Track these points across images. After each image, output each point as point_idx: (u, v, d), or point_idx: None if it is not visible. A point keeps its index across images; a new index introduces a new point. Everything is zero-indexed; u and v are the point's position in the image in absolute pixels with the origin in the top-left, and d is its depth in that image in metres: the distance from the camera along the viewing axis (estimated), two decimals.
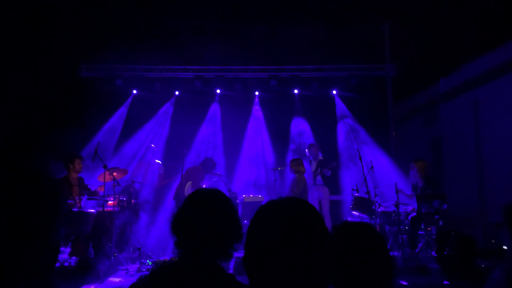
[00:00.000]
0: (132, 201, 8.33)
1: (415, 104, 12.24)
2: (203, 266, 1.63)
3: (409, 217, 7.24)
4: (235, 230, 1.74)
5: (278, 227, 1.20)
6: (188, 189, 7.87)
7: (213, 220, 1.70)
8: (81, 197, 7.06)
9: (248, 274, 1.22)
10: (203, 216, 1.71)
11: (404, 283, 5.48)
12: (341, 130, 12.05)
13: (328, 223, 8.74)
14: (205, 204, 1.77)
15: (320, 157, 9.02)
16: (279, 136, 12.04)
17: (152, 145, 9.13)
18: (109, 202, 7.17)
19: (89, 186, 7.27)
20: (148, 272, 1.72)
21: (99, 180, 7.43)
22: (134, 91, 11.88)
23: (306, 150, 9.22)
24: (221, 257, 1.72)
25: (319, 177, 8.85)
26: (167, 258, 6.84)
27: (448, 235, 6.51)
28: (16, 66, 9.69)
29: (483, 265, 6.25)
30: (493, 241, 7.27)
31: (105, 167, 6.86)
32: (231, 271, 5.76)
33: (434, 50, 11.03)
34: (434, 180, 7.50)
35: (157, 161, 9.12)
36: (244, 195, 8.24)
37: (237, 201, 7.91)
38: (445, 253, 6.38)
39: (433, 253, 6.83)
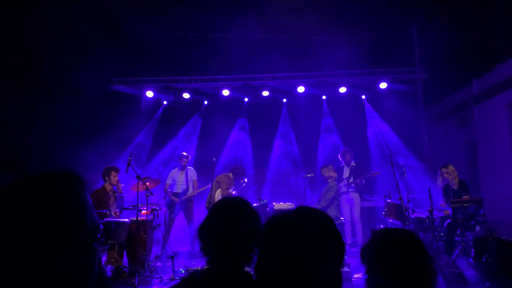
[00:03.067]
0: (165, 210, 8.47)
1: (448, 107, 11.97)
2: (229, 271, 1.70)
3: (445, 224, 7.06)
4: (256, 236, 1.81)
5: (288, 238, 1.21)
6: (218, 196, 7.95)
7: (236, 227, 1.79)
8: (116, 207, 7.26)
9: (261, 281, 1.25)
10: (227, 224, 1.81)
11: None
12: (372, 135, 11.88)
13: (359, 230, 8.63)
14: (228, 212, 1.86)
15: (353, 163, 8.93)
16: (309, 142, 11.99)
17: (184, 153, 9.25)
18: (143, 211, 7.32)
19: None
20: (179, 281, 1.79)
21: (132, 190, 7.62)
22: (165, 102, 12.13)
23: (339, 155, 9.14)
24: (243, 261, 1.79)
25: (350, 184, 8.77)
26: (199, 267, 6.91)
27: (485, 241, 6.31)
28: (50, 80, 10.07)
29: None
30: None
31: (138, 177, 7.01)
32: None
33: (465, 51, 10.78)
34: (465, 183, 7.31)
35: (189, 167, 9.25)
36: (274, 203, 8.23)
37: (267, 209, 7.91)
38: (483, 259, 6.18)
39: (470, 259, 6.62)
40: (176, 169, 9.18)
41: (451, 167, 7.31)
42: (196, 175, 9.24)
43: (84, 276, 1.09)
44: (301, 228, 1.23)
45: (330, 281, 1.21)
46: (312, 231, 1.23)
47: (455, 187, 7.27)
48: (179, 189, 8.95)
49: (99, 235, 1.35)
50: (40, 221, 1.00)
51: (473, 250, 6.38)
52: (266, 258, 1.25)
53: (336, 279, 1.23)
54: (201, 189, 9.02)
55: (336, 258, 1.24)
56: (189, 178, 9.07)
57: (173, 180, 9.03)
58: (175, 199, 8.82)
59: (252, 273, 1.77)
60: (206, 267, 1.81)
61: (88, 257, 1.09)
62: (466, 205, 6.81)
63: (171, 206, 8.81)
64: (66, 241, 1.02)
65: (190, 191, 9.00)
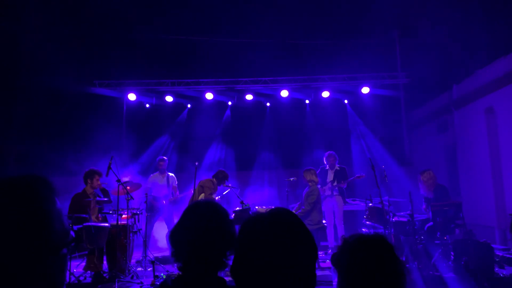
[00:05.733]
0: (146, 214, 8.38)
1: (429, 111, 12.14)
2: (202, 277, 1.68)
3: (425, 227, 7.14)
4: (229, 240, 1.78)
5: (264, 239, 1.23)
6: None
7: (208, 231, 1.75)
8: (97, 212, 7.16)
9: (237, 283, 1.26)
10: (199, 228, 1.77)
11: None
12: (354, 139, 11.98)
13: (341, 233, 8.67)
14: (200, 216, 1.82)
15: (337, 167, 8.98)
16: (292, 146, 12.02)
17: (165, 157, 9.19)
18: (123, 216, 7.23)
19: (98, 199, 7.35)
20: None
21: (113, 194, 7.52)
22: (147, 105, 12.02)
23: (324, 158, 9.17)
24: (216, 266, 1.76)
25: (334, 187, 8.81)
26: (180, 272, 6.84)
27: (464, 244, 6.41)
28: (29, 81, 9.90)
29: (501, 274, 6.13)
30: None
31: (118, 181, 6.93)
32: None
33: (446, 56, 10.96)
34: (444, 188, 7.39)
35: (170, 174, 9.19)
36: (257, 207, 8.22)
37: (250, 213, 7.87)
38: (462, 262, 6.27)
39: (449, 262, 6.71)
40: (157, 173, 9.10)
41: (425, 175, 7.38)
42: (176, 182, 9.20)
43: (52, 283, 1.06)
44: (274, 230, 1.24)
45: (304, 281, 1.23)
46: (285, 233, 1.24)
47: (431, 195, 7.36)
48: (159, 193, 8.88)
49: (68, 241, 1.29)
50: (0, 228, 0.97)
51: (452, 253, 6.47)
52: (241, 260, 1.26)
53: (310, 279, 1.24)
54: (182, 194, 9.00)
55: (309, 259, 1.25)
56: (169, 184, 9.02)
57: (154, 184, 8.95)
58: (155, 203, 8.74)
59: (226, 278, 1.75)
60: (178, 273, 1.78)
61: (55, 265, 1.06)
62: (446, 208, 6.91)
63: (151, 210, 8.72)
64: (30, 249, 0.99)
65: (172, 196, 8.95)
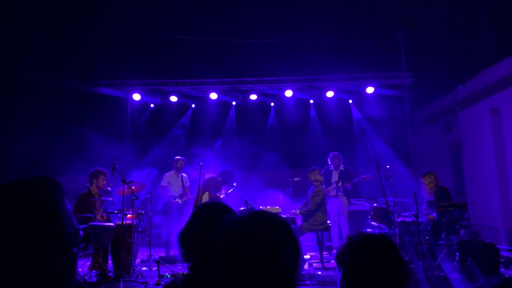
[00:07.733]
0: (151, 214, 8.41)
1: (433, 111, 12.10)
2: (210, 279, 1.68)
3: (429, 227, 7.11)
4: None
5: (240, 245, 1.20)
6: (205, 200, 7.90)
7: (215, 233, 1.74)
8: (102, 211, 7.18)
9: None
10: (209, 228, 1.76)
11: None
12: (358, 139, 11.96)
13: (345, 234, 8.66)
14: (210, 216, 1.81)
15: (342, 167, 8.97)
16: (296, 146, 12.02)
17: (183, 158, 9.19)
18: (128, 216, 7.24)
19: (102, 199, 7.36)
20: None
21: (118, 194, 7.54)
22: (152, 105, 12.05)
23: (328, 159, 9.16)
24: None
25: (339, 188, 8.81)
26: (185, 271, 6.85)
27: (470, 244, 6.38)
28: (32, 81, 9.93)
29: (507, 275, 6.10)
30: None
31: (123, 181, 6.94)
32: None
33: (450, 57, 10.93)
34: (446, 191, 7.34)
35: (183, 174, 9.21)
36: (261, 207, 8.22)
37: None
38: (468, 263, 6.25)
39: (455, 263, 6.68)
40: (172, 173, 9.11)
41: (426, 178, 7.33)
42: (188, 182, 9.22)
43: (63, 284, 1.06)
44: (253, 234, 1.22)
45: (283, 283, 1.21)
46: (265, 237, 1.22)
47: (431, 198, 7.33)
48: (174, 193, 8.89)
49: (78, 240, 1.29)
50: (14, 229, 0.98)
51: (457, 254, 6.44)
52: (219, 263, 1.24)
53: (289, 281, 1.22)
54: (192, 196, 9.04)
55: (289, 263, 1.23)
56: (184, 184, 9.05)
57: (169, 183, 8.96)
58: (171, 203, 8.77)
59: None
60: (187, 273, 1.78)
61: (66, 264, 1.07)
62: (451, 209, 6.88)
63: (166, 209, 8.75)
64: (42, 249, 1.00)
65: (185, 196, 8.99)
